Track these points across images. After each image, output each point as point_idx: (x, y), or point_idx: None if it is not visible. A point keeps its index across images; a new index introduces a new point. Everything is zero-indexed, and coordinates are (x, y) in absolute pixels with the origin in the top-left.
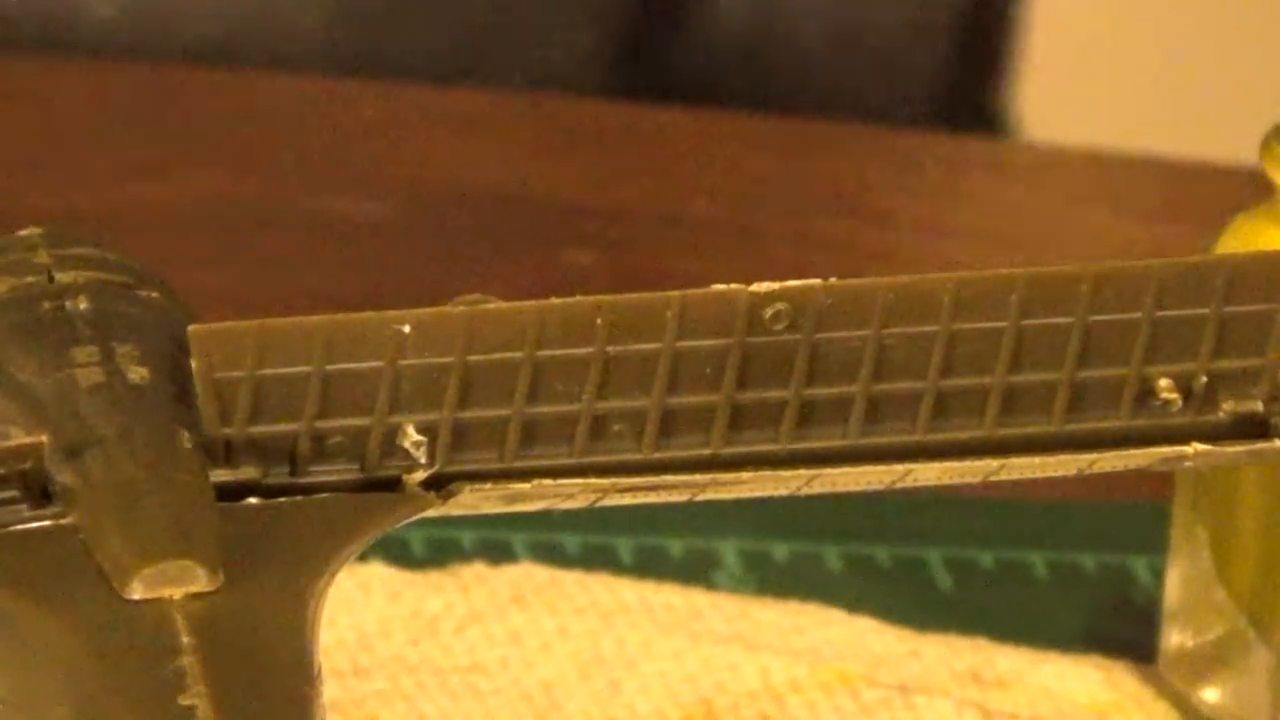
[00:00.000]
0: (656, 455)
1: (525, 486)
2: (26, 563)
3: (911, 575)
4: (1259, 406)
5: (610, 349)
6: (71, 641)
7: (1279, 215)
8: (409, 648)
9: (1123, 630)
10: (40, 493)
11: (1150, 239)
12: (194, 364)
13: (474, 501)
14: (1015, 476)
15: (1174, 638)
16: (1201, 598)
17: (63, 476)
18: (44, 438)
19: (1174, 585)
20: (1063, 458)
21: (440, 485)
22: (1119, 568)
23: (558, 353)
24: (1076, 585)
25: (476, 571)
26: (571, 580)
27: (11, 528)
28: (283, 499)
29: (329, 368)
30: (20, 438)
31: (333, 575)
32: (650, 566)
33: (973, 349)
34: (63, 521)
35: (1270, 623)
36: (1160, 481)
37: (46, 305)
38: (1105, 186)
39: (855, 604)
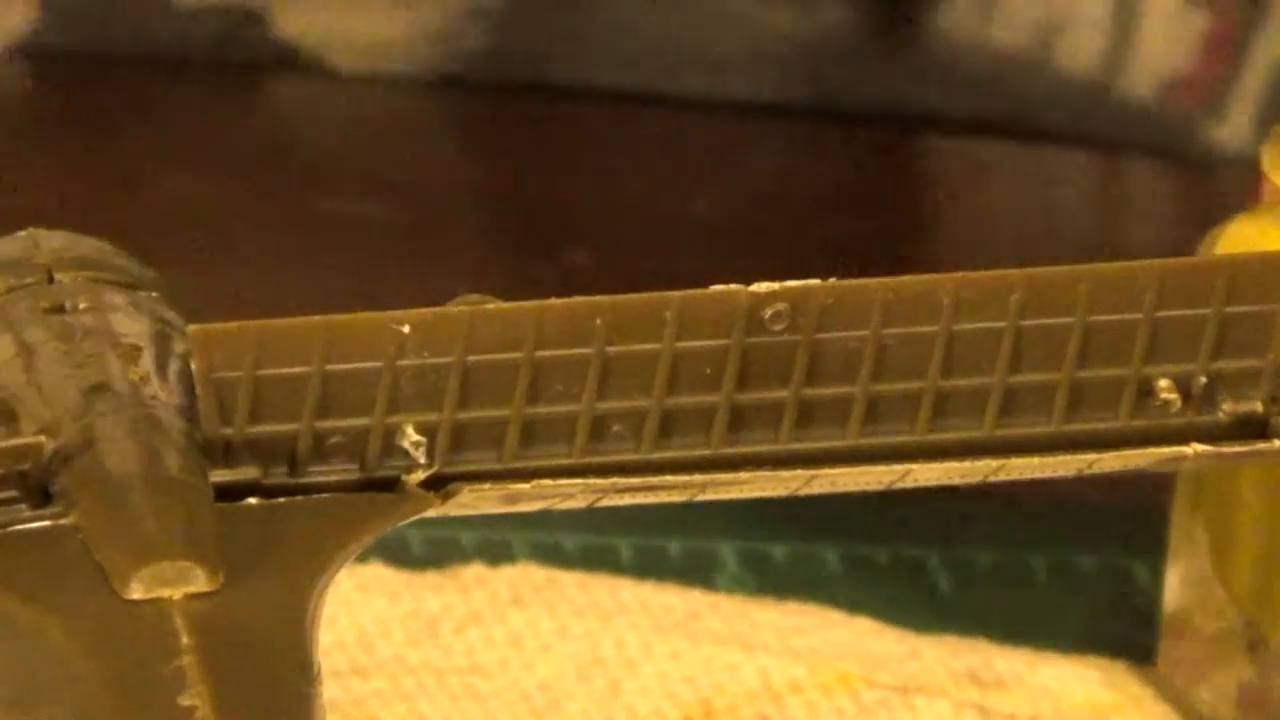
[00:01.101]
0: (656, 455)
1: (524, 487)
2: (26, 563)
3: (911, 576)
4: (1258, 407)
5: (610, 349)
6: (71, 641)
7: (1276, 216)
8: (408, 648)
9: (1122, 631)
10: (40, 493)
11: (1150, 239)
12: (193, 364)
13: (473, 502)
14: (1015, 477)
15: (1174, 638)
16: (1201, 598)
17: (62, 477)
18: (43, 438)
19: (1174, 586)
20: (1062, 458)
21: (439, 485)
22: (1118, 568)
23: (557, 353)
24: (1076, 586)
25: (476, 572)
26: (571, 581)
27: (11, 528)
28: (282, 499)
29: (328, 368)
30: (20, 438)
31: (332, 575)
32: (649, 567)
33: (972, 349)
34: (62, 522)
35: (1270, 623)
36: (1160, 482)
37: (46, 305)
38: (1105, 186)
39: (854, 605)
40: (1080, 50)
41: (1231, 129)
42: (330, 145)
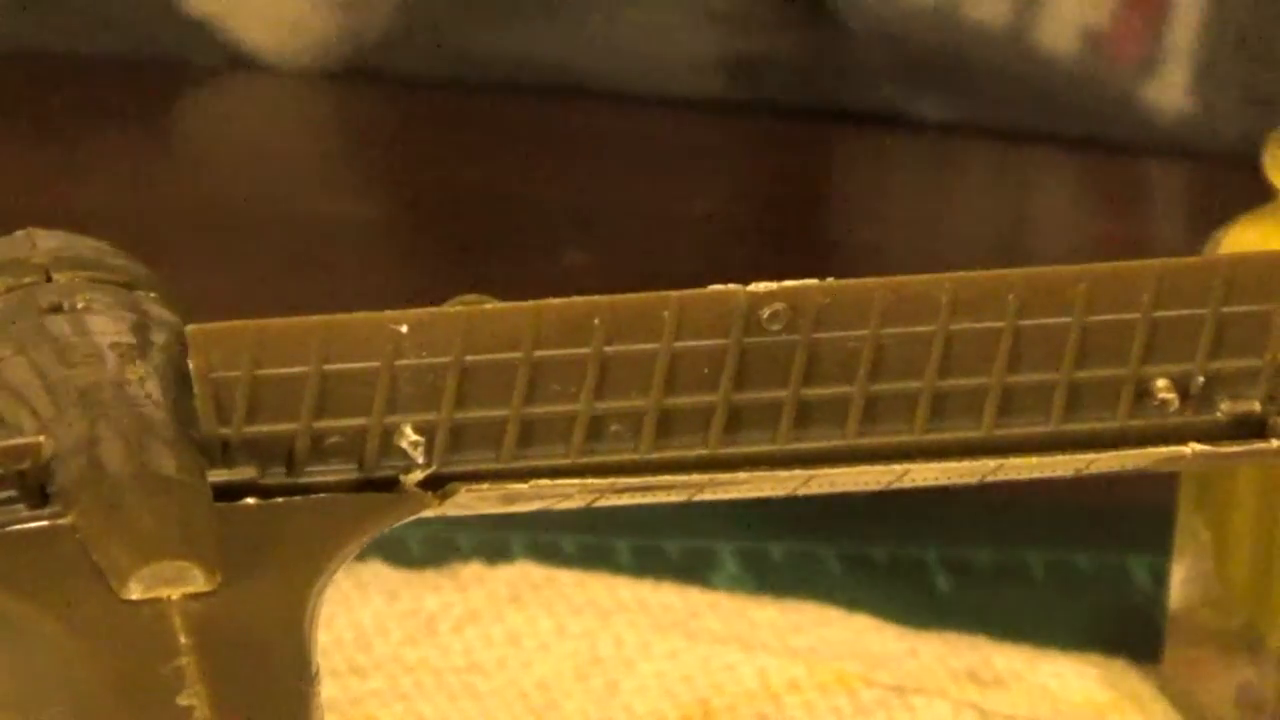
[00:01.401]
0: (654, 455)
1: (522, 487)
2: (24, 563)
3: (909, 575)
4: (1256, 407)
5: (608, 349)
6: (69, 641)
7: (1277, 218)
8: (406, 647)
9: (1120, 630)
10: (38, 493)
11: (1150, 239)
12: (191, 364)
13: (471, 501)
14: (1013, 477)
15: (1178, 636)
16: (1205, 597)
17: (60, 476)
18: (42, 438)
19: (1178, 584)
20: (1060, 458)
21: (438, 485)
22: (1116, 568)
23: (555, 353)
24: (1074, 585)
25: (474, 571)
26: (569, 580)
27: (9, 528)
28: (280, 499)
29: (326, 368)
30: (18, 438)
31: (330, 575)
32: (648, 567)
33: (970, 349)
34: (60, 521)
35: (1266, 623)
36: (1158, 482)
37: (44, 305)
38: (1104, 186)
39: (853, 604)
40: (991, 9)
41: (1163, 87)
42: (238, 135)
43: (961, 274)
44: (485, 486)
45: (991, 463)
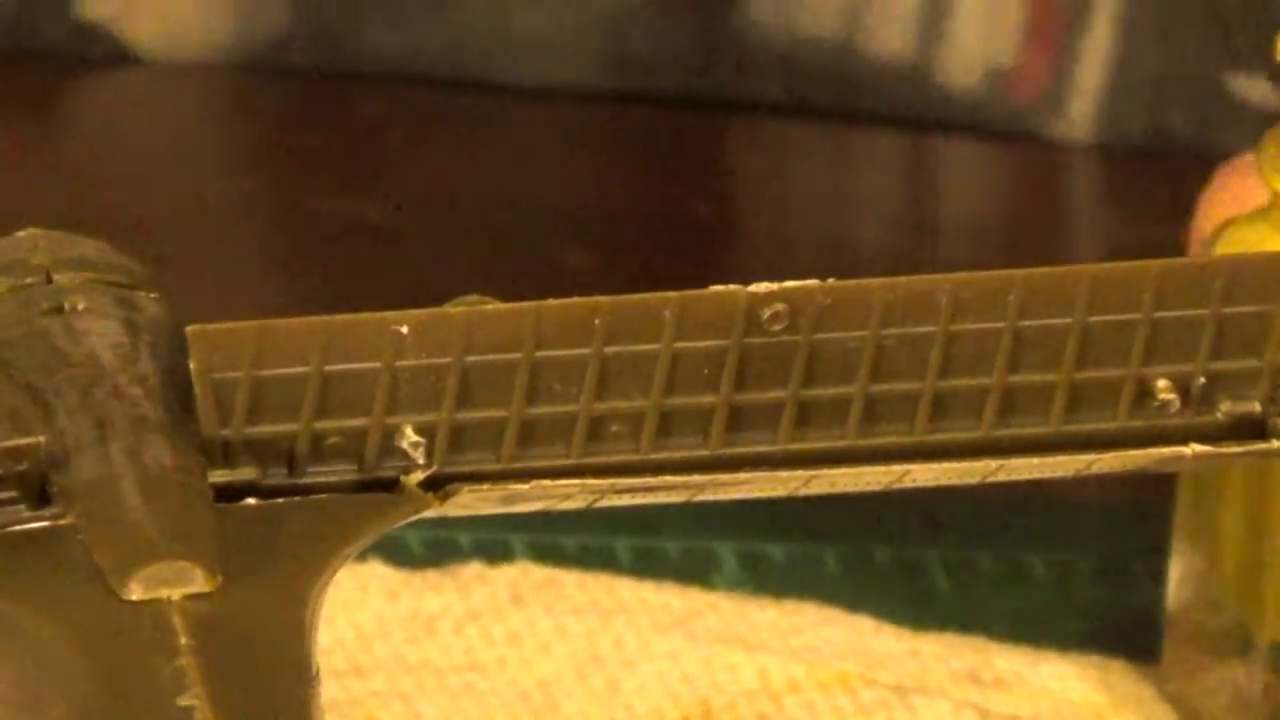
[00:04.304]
0: (654, 456)
1: (523, 487)
2: (25, 563)
3: (909, 576)
4: (1256, 407)
5: (608, 350)
6: (70, 642)
7: (1274, 219)
8: (407, 647)
9: (1120, 631)
10: (38, 493)
11: (1150, 239)
12: (192, 365)
13: (472, 502)
14: (1013, 477)
15: (1175, 636)
16: (1201, 597)
17: (61, 477)
18: (42, 438)
19: (1175, 584)
20: (1061, 458)
21: (438, 486)
22: (1117, 568)
23: (556, 353)
24: (1074, 586)
25: (474, 571)
26: (569, 580)
27: (10, 528)
28: (281, 500)
29: (327, 368)
30: (19, 438)
31: (331, 576)
32: (648, 567)
33: (971, 349)
34: (61, 522)
35: (1256, 624)
36: (1158, 482)
37: (45, 306)
38: (1105, 186)
39: (853, 605)
40: (893, 38)
41: (1069, 123)
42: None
43: (962, 274)
44: (486, 487)
45: (992, 463)
